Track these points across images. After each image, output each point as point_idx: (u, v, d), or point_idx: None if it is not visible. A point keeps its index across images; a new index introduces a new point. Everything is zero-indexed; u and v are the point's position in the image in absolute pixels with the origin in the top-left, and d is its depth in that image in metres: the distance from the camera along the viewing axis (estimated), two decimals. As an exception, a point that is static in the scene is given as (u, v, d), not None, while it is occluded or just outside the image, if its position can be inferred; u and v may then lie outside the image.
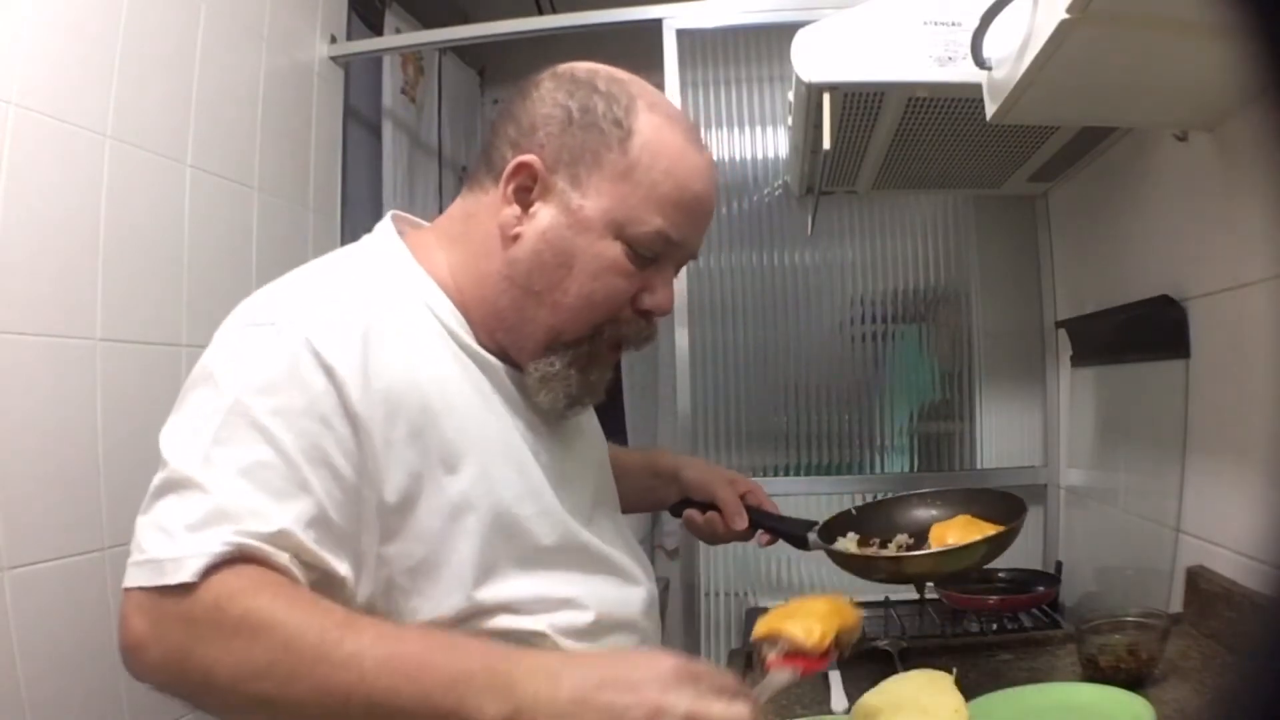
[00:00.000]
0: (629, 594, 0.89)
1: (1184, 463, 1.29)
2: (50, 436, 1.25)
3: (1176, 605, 1.25)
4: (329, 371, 0.70)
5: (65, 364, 1.28)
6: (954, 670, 0.98)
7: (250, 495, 0.66)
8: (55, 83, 1.26)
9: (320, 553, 0.68)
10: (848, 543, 1.10)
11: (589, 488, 0.92)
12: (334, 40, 1.98)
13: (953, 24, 1.25)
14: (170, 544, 0.64)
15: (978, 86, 1.15)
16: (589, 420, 1.00)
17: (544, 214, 0.81)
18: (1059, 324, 1.87)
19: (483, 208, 0.85)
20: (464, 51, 2.58)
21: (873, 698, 0.98)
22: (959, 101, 1.34)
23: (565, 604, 0.81)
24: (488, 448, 0.79)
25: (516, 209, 0.82)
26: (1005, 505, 1.07)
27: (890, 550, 1.07)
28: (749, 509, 1.09)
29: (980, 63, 1.07)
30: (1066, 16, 0.84)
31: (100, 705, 1.30)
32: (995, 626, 1.61)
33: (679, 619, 2.04)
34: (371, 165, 2.21)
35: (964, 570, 1.13)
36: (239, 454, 0.67)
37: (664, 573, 2.28)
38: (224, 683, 0.63)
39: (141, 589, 0.64)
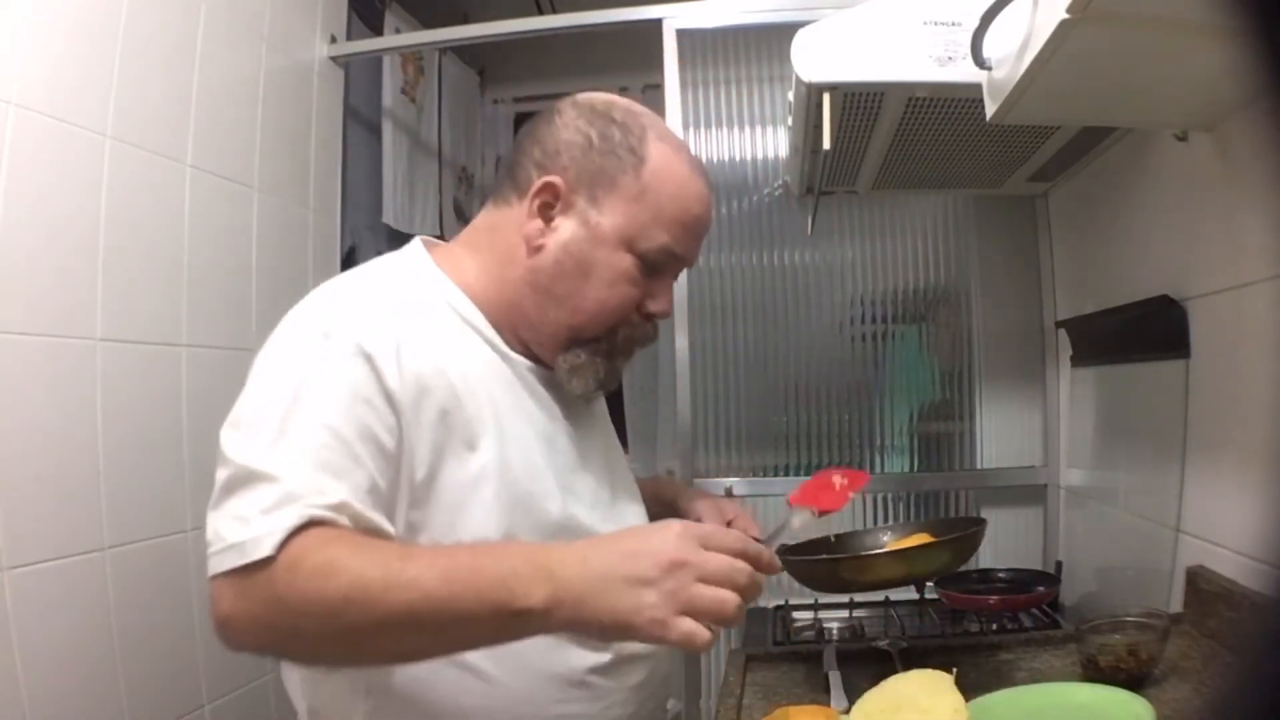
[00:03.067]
0: None
1: (1184, 463, 1.29)
2: (50, 436, 1.25)
3: (1176, 605, 1.25)
4: (369, 359, 0.81)
5: (65, 364, 1.28)
6: (954, 670, 0.98)
7: (313, 476, 0.75)
8: (55, 83, 1.26)
9: (373, 517, 0.78)
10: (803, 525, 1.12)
11: (603, 473, 1.00)
12: (334, 40, 1.98)
13: (953, 24, 1.25)
14: (248, 529, 0.72)
15: (978, 86, 1.15)
16: (601, 415, 1.08)
17: (565, 228, 0.93)
18: (1059, 324, 1.87)
19: (507, 220, 0.96)
20: (464, 51, 2.59)
21: (873, 698, 0.98)
22: (959, 101, 1.34)
23: None
24: (505, 429, 0.89)
25: (540, 223, 0.93)
26: (967, 524, 1.19)
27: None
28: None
29: (980, 63, 1.07)
30: (1066, 16, 0.84)
31: (100, 705, 1.30)
32: (995, 626, 1.61)
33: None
34: (371, 165, 2.21)
35: (925, 575, 1.29)
36: (300, 442, 0.76)
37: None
38: (311, 626, 0.72)
39: (225, 573, 0.72)
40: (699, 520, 1.11)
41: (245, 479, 0.75)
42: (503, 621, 0.72)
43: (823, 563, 1.20)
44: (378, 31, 2.15)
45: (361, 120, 2.17)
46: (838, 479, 1.04)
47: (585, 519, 0.93)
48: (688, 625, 0.71)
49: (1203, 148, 1.20)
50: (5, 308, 1.18)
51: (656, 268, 0.94)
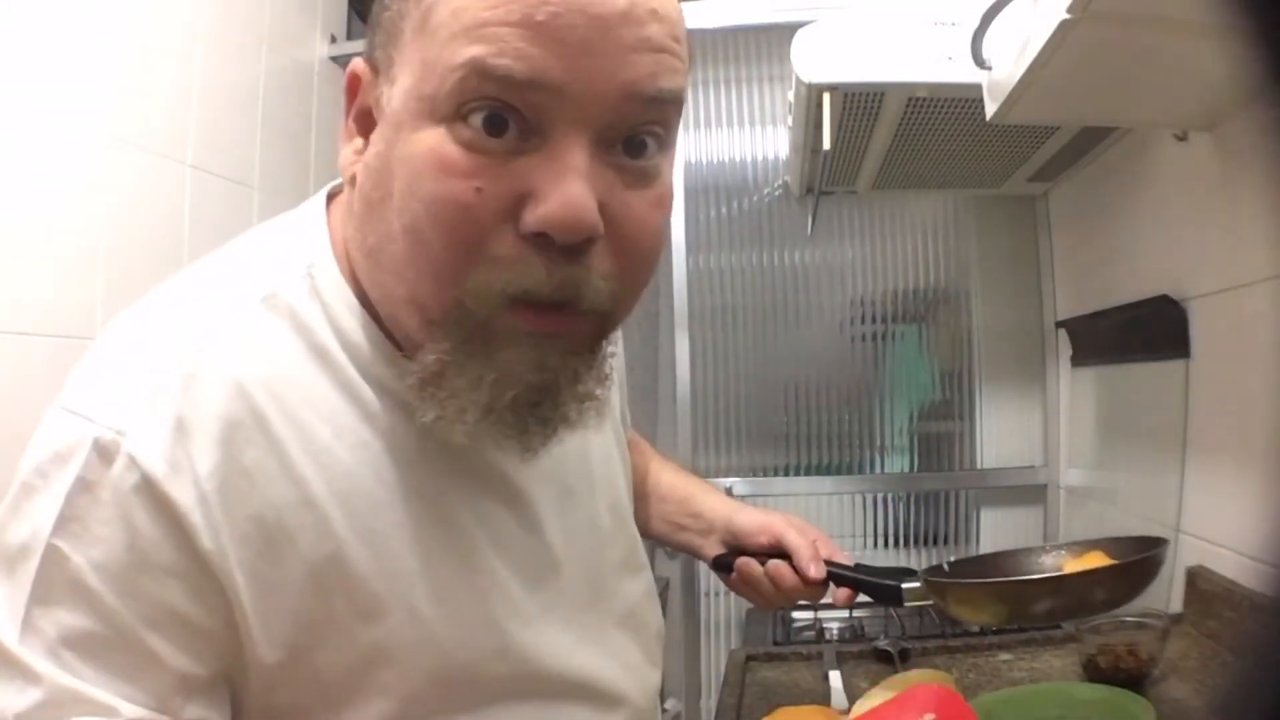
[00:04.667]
0: None
1: (1184, 463, 1.29)
2: (50, 436, 1.25)
3: (1176, 605, 1.24)
4: (169, 505, 0.50)
5: (65, 364, 1.28)
6: (954, 670, 0.98)
7: (84, 676, 0.48)
8: (55, 82, 1.26)
9: (194, 716, 0.51)
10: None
11: (587, 562, 0.68)
12: (334, 40, 1.98)
13: (953, 24, 1.25)
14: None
15: (978, 86, 1.15)
16: (599, 444, 0.72)
17: (376, 137, 0.55)
18: (1059, 324, 1.87)
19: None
20: (464, 51, 2.58)
21: (873, 698, 0.98)
22: (959, 101, 1.34)
23: None
24: (423, 574, 0.57)
25: (359, 140, 0.57)
26: (1140, 544, 0.89)
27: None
28: (825, 560, 0.88)
29: (980, 63, 1.07)
30: (1066, 16, 0.84)
31: (100, 705, 1.30)
32: (995, 626, 1.61)
33: (679, 619, 2.04)
34: (371, 165, 2.21)
35: (1093, 605, 0.91)
36: (62, 620, 0.49)
37: (664, 573, 2.28)
38: None
39: None
40: (775, 541, 0.88)
41: None
42: None
43: (993, 586, 0.88)
44: (378, 31, 2.15)
45: (361, 120, 2.17)
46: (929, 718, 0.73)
47: (553, 664, 0.62)
48: None
49: (1203, 148, 1.20)
50: (5, 307, 1.18)
51: (493, 121, 0.49)
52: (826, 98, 1.33)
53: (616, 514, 0.73)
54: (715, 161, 2.09)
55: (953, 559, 1.00)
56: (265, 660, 0.53)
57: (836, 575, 0.88)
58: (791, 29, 1.35)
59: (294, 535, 0.53)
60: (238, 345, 0.54)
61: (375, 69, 0.56)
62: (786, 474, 2.05)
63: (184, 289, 0.61)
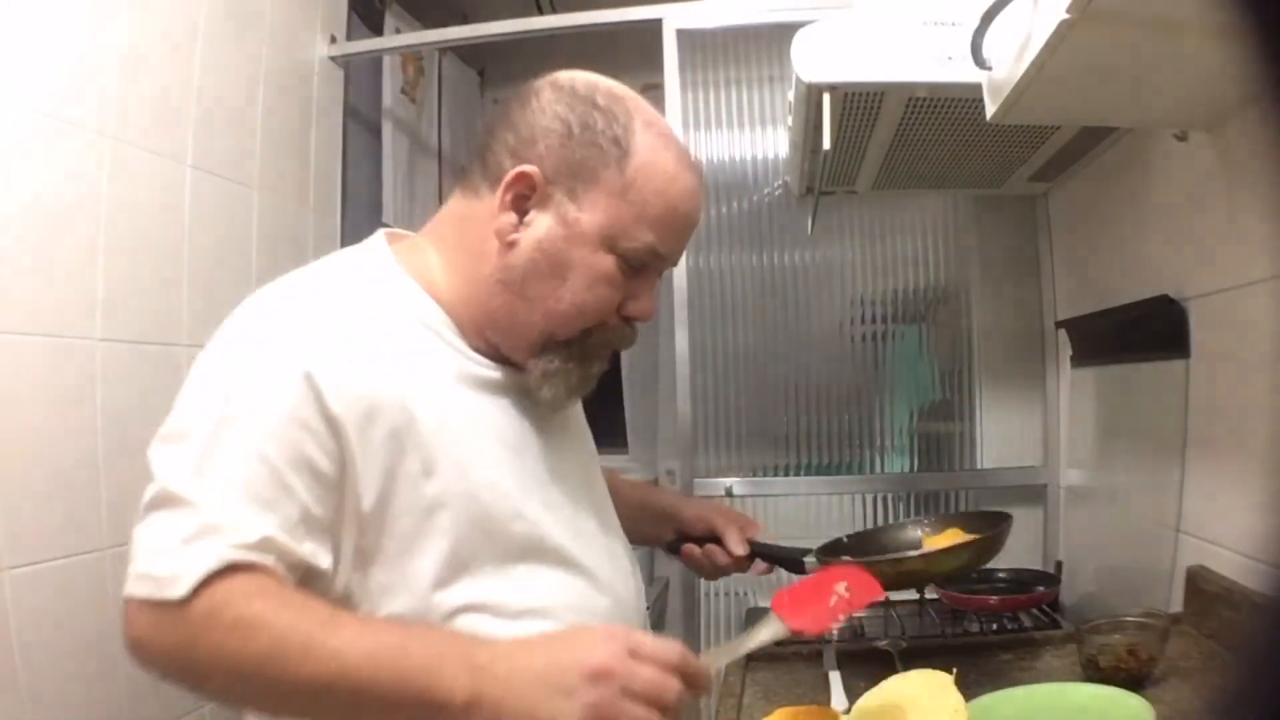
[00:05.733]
0: (598, 601, 0.89)
1: (1184, 463, 1.29)
2: (50, 436, 1.25)
3: (1176, 605, 1.25)
4: (309, 379, 0.74)
5: (65, 364, 1.28)
6: (954, 670, 0.98)
7: (237, 506, 0.71)
8: (55, 82, 1.26)
9: (301, 552, 0.73)
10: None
11: (574, 488, 0.92)
12: (334, 40, 1.98)
13: (953, 24, 1.25)
14: (164, 560, 0.70)
15: (978, 86, 1.15)
16: (577, 419, 1.01)
17: (540, 223, 0.85)
18: (1059, 324, 1.87)
19: (477, 212, 0.87)
20: (464, 52, 2.58)
21: (873, 698, 0.98)
22: (959, 101, 1.34)
23: (532, 612, 0.83)
24: (468, 447, 0.82)
25: (514, 216, 0.85)
26: (991, 519, 1.13)
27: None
28: (748, 540, 1.11)
29: (980, 63, 1.07)
30: (1066, 16, 0.84)
31: (100, 704, 1.30)
32: (995, 626, 1.61)
33: (679, 619, 2.04)
34: (371, 165, 2.21)
35: (954, 570, 1.24)
36: (227, 467, 0.72)
37: (664, 572, 2.28)
38: (221, 680, 0.71)
39: (143, 600, 0.70)
40: (709, 538, 1.11)
41: (165, 500, 0.72)
42: (418, 710, 0.69)
43: (881, 564, 1.06)
44: (378, 31, 2.15)
45: (361, 120, 2.17)
46: (841, 589, 0.89)
47: (554, 538, 0.86)
48: None
49: (1203, 148, 1.20)
50: (5, 308, 1.18)
51: (638, 268, 0.86)
52: (826, 98, 1.33)
53: (592, 464, 1.01)
54: (715, 161, 2.09)
55: (849, 534, 1.22)
56: (362, 507, 0.76)
57: (756, 551, 1.11)
58: (791, 29, 1.35)
59: (384, 406, 0.77)
60: (348, 300, 0.83)
61: (547, 178, 0.84)
62: (786, 474, 2.05)
63: (303, 281, 0.86)
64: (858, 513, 2.02)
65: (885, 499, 2.03)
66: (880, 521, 2.02)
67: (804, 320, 2.07)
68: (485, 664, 0.70)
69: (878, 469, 2.06)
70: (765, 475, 2.05)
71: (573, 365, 0.88)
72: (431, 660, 0.70)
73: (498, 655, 0.71)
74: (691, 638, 1.99)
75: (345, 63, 2.02)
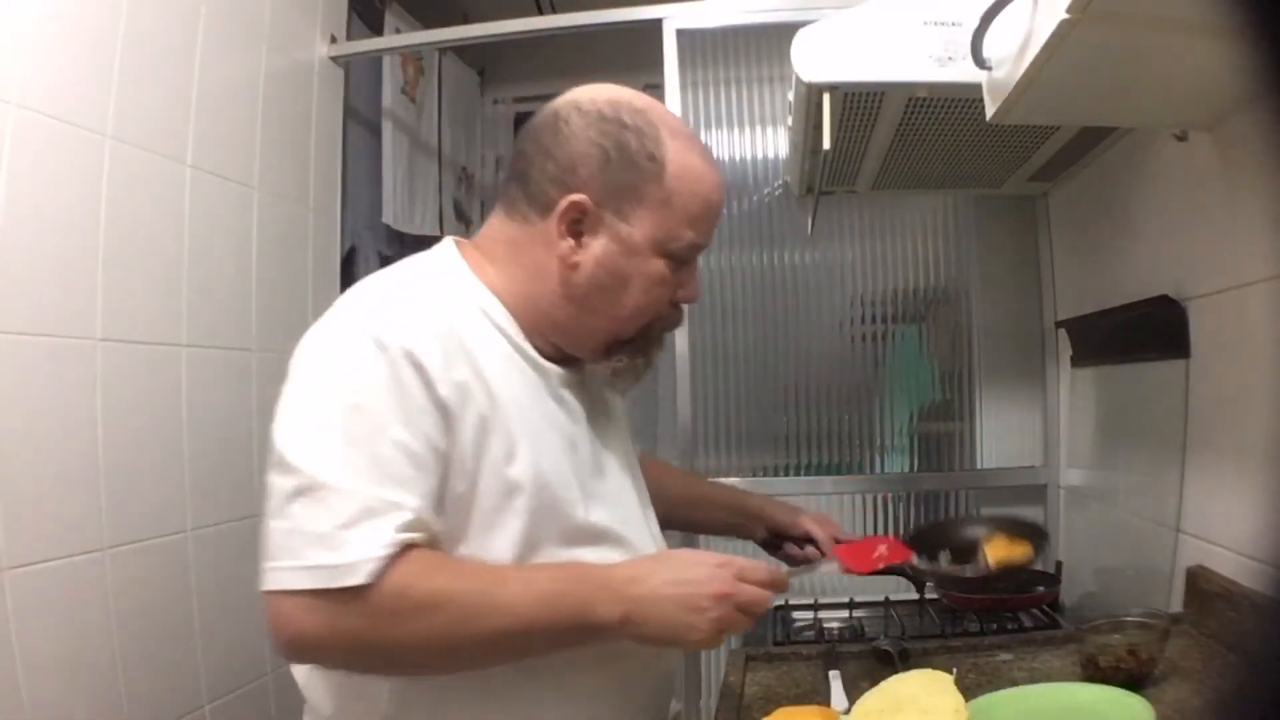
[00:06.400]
0: None
1: (1184, 463, 1.29)
2: (50, 436, 1.25)
3: (1176, 605, 1.25)
4: (419, 368, 0.82)
5: (65, 364, 1.28)
6: (954, 670, 0.98)
7: (387, 488, 0.78)
8: (55, 83, 1.26)
9: (437, 528, 0.83)
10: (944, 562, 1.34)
11: (623, 475, 1.03)
12: (334, 40, 1.98)
13: (953, 24, 1.25)
14: (334, 549, 0.76)
15: (978, 86, 1.15)
16: (619, 414, 1.11)
17: (596, 244, 0.94)
18: (1059, 324, 1.87)
19: (529, 238, 0.95)
20: (464, 51, 2.58)
21: (873, 698, 0.98)
22: (959, 101, 1.34)
23: None
24: (536, 436, 0.90)
25: (571, 242, 0.93)
26: (1028, 527, 1.36)
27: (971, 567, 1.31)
28: (834, 539, 1.27)
29: (980, 63, 1.07)
30: (1066, 16, 0.84)
31: (100, 705, 1.30)
32: (995, 626, 1.61)
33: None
34: (371, 165, 2.21)
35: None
36: (369, 451, 0.79)
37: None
38: (411, 656, 0.81)
39: (311, 592, 0.75)
40: (807, 536, 1.27)
41: (312, 488, 0.77)
42: (581, 635, 0.84)
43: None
44: (378, 31, 2.15)
45: (361, 120, 2.17)
46: (882, 548, 1.21)
47: (607, 522, 0.95)
48: (720, 640, 0.88)
49: (1203, 148, 1.20)
50: (5, 308, 1.18)
51: (684, 262, 0.97)
52: (826, 98, 1.33)
53: (631, 455, 1.10)
54: (715, 161, 2.08)
55: (912, 532, 1.44)
56: (458, 487, 0.84)
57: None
58: (791, 29, 1.35)
59: (474, 395, 0.86)
60: (438, 300, 0.90)
61: (596, 203, 0.92)
62: (786, 474, 2.05)
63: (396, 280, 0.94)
64: (858, 512, 2.02)
65: (885, 499, 2.03)
66: (880, 521, 2.02)
67: (804, 320, 2.07)
68: (627, 589, 0.84)
69: (878, 469, 2.06)
70: (765, 475, 2.05)
71: (639, 359, 0.99)
72: (586, 594, 0.84)
73: (634, 579, 0.85)
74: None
75: (345, 63, 2.02)
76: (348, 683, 0.89)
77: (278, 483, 0.79)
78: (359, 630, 0.76)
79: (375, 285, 0.92)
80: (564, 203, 0.91)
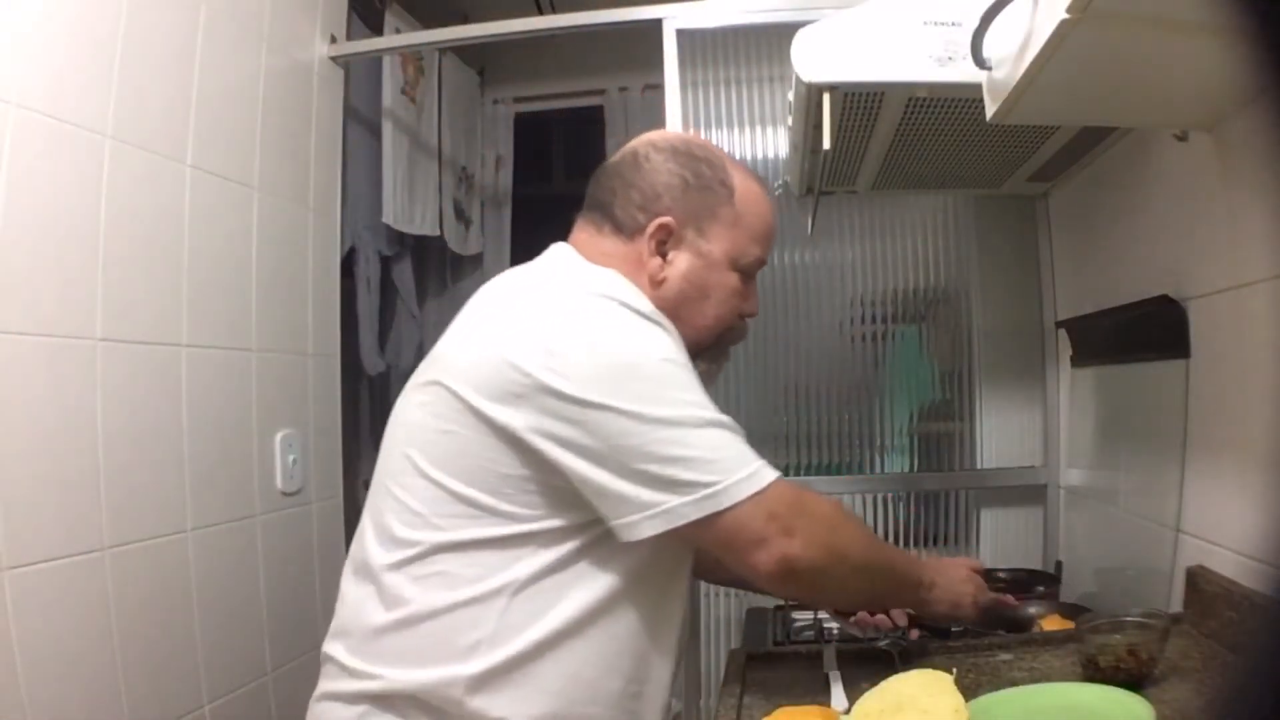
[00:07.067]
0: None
1: (1184, 463, 1.29)
2: (50, 436, 1.25)
3: (1176, 605, 1.25)
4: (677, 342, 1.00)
5: (65, 364, 1.28)
6: (954, 670, 0.98)
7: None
8: (55, 83, 1.26)
9: None
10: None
11: None
12: (334, 40, 1.98)
13: (953, 24, 1.25)
14: (751, 460, 0.96)
15: (978, 86, 1.15)
16: None
17: (681, 260, 1.08)
18: (1059, 324, 1.87)
19: (618, 255, 1.08)
20: (464, 51, 2.58)
21: (873, 698, 0.98)
22: (959, 101, 1.34)
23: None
24: None
25: (659, 260, 1.07)
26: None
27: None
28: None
29: (980, 63, 1.07)
30: (1066, 16, 0.84)
31: (100, 705, 1.30)
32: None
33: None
34: (371, 165, 2.21)
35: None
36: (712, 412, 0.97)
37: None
38: (856, 559, 1.03)
39: (752, 495, 0.93)
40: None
41: (721, 424, 0.95)
42: (911, 592, 1.12)
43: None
44: (378, 31, 2.15)
45: (361, 120, 2.17)
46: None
47: None
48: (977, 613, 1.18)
49: (1203, 148, 1.20)
50: (5, 308, 1.18)
51: (750, 277, 1.13)
52: (826, 98, 1.33)
53: None
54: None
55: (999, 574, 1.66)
56: None
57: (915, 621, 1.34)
58: (791, 29, 1.35)
59: None
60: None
61: (679, 223, 1.07)
62: (786, 474, 2.02)
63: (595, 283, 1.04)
64: (857, 512, 2.01)
65: (885, 499, 2.03)
66: (880, 521, 2.02)
67: (804, 320, 2.07)
68: (931, 565, 1.16)
69: (878, 469, 2.06)
70: (765, 475, 2.04)
71: (715, 366, 1.15)
72: (912, 559, 1.18)
73: (932, 565, 1.17)
74: (692, 636, 1.99)
75: (345, 63, 2.02)
76: (430, 658, 0.93)
77: (688, 412, 0.93)
78: (818, 535, 0.97)
79: (610, 283, 1.00)
80: (653, 225, 1.06)
